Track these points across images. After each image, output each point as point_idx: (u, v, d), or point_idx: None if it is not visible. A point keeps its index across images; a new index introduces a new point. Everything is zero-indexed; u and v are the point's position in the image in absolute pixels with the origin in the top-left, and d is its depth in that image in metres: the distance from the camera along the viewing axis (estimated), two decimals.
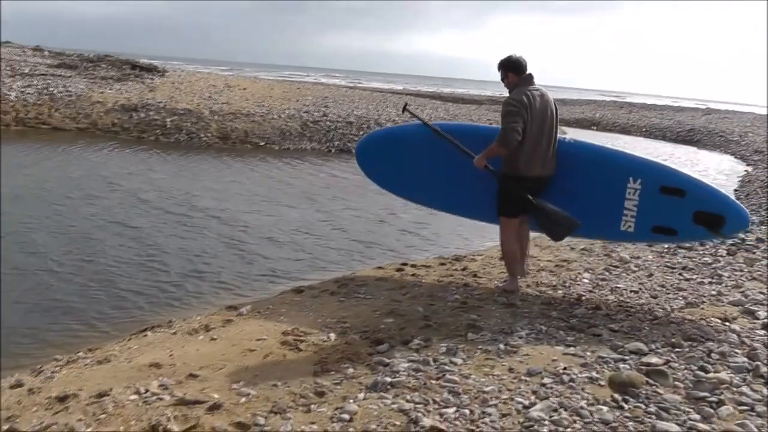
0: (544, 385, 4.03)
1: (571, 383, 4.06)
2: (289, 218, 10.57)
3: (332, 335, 5.12)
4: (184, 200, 11.27)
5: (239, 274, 7.72)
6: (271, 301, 6.48)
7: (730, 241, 8.45)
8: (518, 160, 6.05)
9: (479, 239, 9.57)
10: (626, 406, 3.77)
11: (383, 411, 3.68)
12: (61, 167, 13.46)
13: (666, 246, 8.34)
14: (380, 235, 9.85)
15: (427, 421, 3.52)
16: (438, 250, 8.89)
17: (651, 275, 7.05)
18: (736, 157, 25.83)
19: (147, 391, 4.04)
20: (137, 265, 7.76)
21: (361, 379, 4.23)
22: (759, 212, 11.25)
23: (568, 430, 3.47)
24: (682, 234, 6.23)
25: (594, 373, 4.21)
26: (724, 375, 4.19)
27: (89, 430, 3.56)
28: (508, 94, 6.27)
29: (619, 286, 6.63)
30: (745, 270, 7.18)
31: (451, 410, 3.69)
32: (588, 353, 4.60)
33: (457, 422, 3.56)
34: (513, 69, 6.24)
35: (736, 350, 4.65)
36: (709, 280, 6.84)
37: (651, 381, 4.09)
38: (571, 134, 30.30)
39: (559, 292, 6.46)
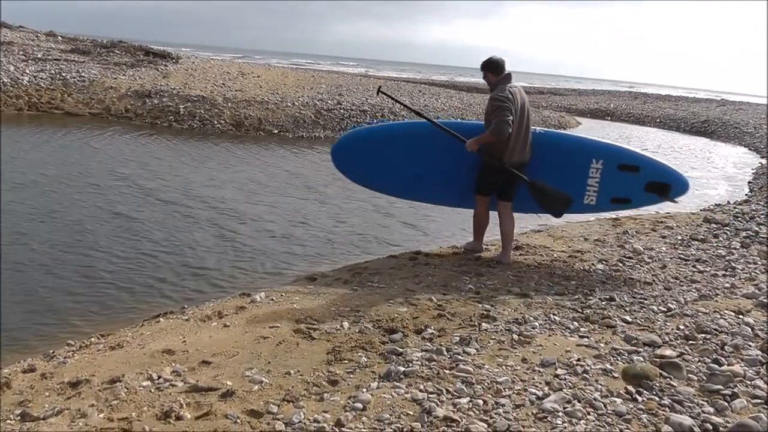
0: (557, 376, 4.03)
1: (584, 375, 4.04)
2: (303, 208, 10.55)
3: (345, 324, 5.11)
4: (202, 189, 11.29)
5: (251, 262, 7.72)
6: (284, 288, 6.46)
7: (744, 234, 8.42)
8: (503, 150, 6.97)
9: (493, 227, 9.55)
10: (640, 399, 3.76)
11: (396, 400, 3.68)
12: (98, 150, 13.51)
13: (679, 238, 8.32)
14: (391, 226, 9.82)
15: (440, 411, 3.51)
16: (451, 241, 8.85)
17: (664, 267, 7.02)
18: (750, 149, 25.70)
19: (160, 377, 4.06)
20: (150, 252, 7.77)
21: (375, 368, 4.22)
22: None
23: (582, 422, 3.46)
24: (635, 202, 7.82)
25: (608, 365, 4.20)
26: (737, 368, 4.17)
27: (101, 415, 3.56)
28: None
29: (632, 277, 6.61)
30: (759, 262, 7.14)
31: (464, 400, 3.68)
32: (602, 344, 4.59)
33: (470, 412, 3.55)
34: (492, 69, 7.16)
35: (750, 343, 4.62)
36: (723, 272, 6.81)
37: (665, 373, 4.08)
38: (586, 124, 29.98)
39: (573, 282, 6.45)
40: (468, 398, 3.72)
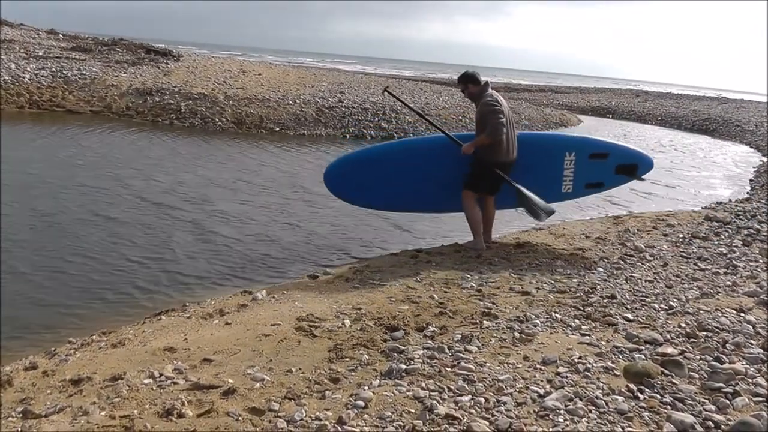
0: (559, 374, 4.03)
1: (586, 373, 4.05)
2: (304, 207, 10.56)
3: (347, 321, 5.11)
4: (203, 186, 11.30)
5: (253, 260, 7.72)
6: (285, 286, 6.47)
7: (745, 232, 8.42)
8: (498, 149, 7.55)
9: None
10: (641, 396, 3.76)
11: (398, 398, 3.68)
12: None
13: (681, 236, 8.33)
14: (392, 224, 9.81)
15: (441, 409, 3.51)
16: (452, 238, 8.84)
17: (666, 265, 7.02)
18: (751, 147, 25.69)
19: (161, 375, 4.05)
20: (151, 250, 7.77)
21: (376, 366, 4.23)
22: None
23: (584, 419, 3.46)
24: (607, 184, 8.85)
25: (609, 363, 4.21)
26: (739, 366, 4.17)
27: (103, 413, 3.56)
28: (468, 99, 8.03)
29: (634, 275, 6.60)
30: (760, 260, 7.13)
31: (465, 398, 3.68)
32: (603, 342, 4.59)
33: (471, 410, 3.55)
34: (473, 81, 7.82)
35: (751, 341, 4.63)
36: (724, 270, 6.81)
37: (666, 371, 4.08)
38: (587, 122, 29.90)
39: (574, 280, 6.44)
40: (469, 396, 3.72)
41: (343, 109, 20.76)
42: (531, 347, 4.49)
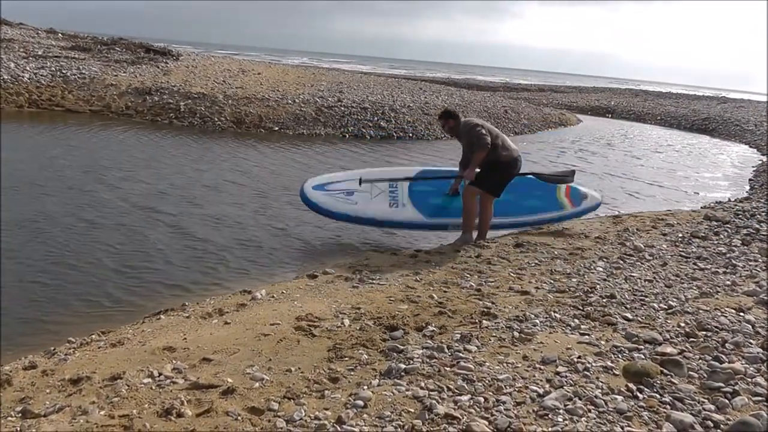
0: (558, 373, 4.02)
1: (585, 372, 4.04)
2: (304, 206, 10.55)
3: (346, 321, 5.11)
4: (205, 185, 11.29)
5: (252, 260, 7.72)
6: (285, 286, 6.46)
7: (744, 231, 8.42)
8: (497, 152, 8.16)
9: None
10: (641, 396, 3.76)
11: (397, 398, 3.68)
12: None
13: (680, 235, 8.33)
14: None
15: (441, 409, 3.51)
16: (451, 238, 8.83)
17: (665, 264, 7.01)
18: (750, 147, 25.71)
19: (160, 374, 4.05)
20: (150, 248, 7.77)
21: (375, 366, 4.22)
22: None
23: (583, 419, 3.46)
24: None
25: (608, 362, 4.20)
26: (738, 365, 4.16)
27: (102, 412, 3.56)
28: (450, 134, 8.82)
29: (633, 274, 6.60)
30: (760, 260, 7.13)
31: (465, 398, 3.68)
32: (602, 342, 4.58)
33: (471, 410, 3.55)
34: (454, 117, 8.60)
35: (751, 340, 4.62)
36: (724, 269, 6.80)
37: (666, 371, 4.07)
38: (586, 122, 29.91)
39: (574, 280, 6.44)
40: (469, 396, 3.71)
41: (343, 108, 20.76)
42: (530, 347, 4.49)
